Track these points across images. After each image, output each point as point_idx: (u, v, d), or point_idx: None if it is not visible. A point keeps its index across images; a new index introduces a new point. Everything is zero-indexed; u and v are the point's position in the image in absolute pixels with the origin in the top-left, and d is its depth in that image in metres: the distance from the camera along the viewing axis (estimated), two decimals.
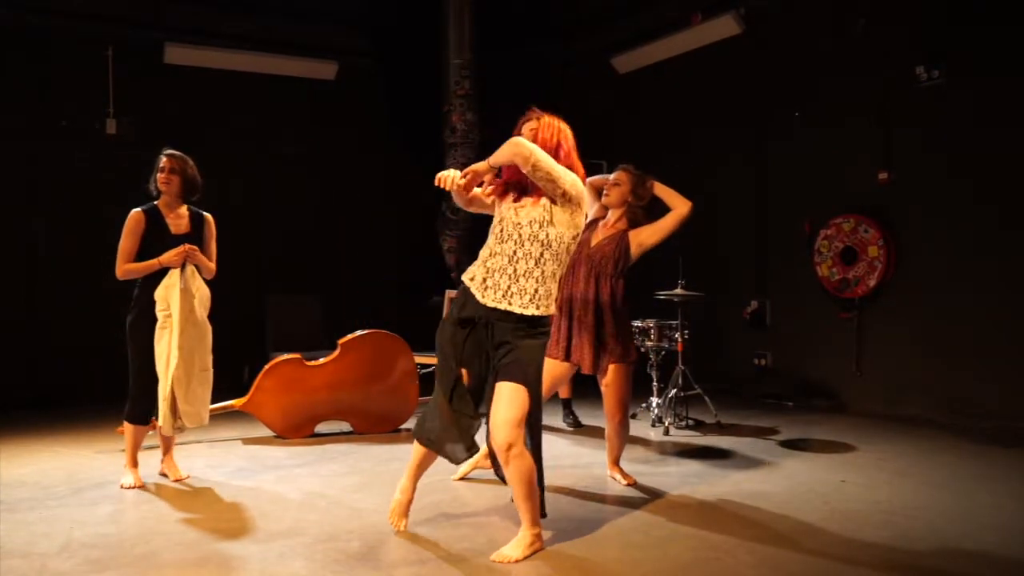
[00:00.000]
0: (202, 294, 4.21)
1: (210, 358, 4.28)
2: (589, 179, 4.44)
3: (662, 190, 4.21)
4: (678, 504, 3.87)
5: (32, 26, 7.01)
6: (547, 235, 3.17)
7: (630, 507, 3.83)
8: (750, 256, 7.26)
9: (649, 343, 5.73)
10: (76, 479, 4.39)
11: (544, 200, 3.22)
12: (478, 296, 3.21)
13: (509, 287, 3.17)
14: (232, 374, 7.35)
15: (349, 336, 5.65)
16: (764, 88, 7.09)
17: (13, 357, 6.82)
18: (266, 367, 5.53)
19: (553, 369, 4.18)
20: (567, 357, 4.14)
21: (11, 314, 6.86)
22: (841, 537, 3.35)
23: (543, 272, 3.18)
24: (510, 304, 3.17)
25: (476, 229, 8.11)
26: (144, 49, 7.39)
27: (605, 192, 4.23)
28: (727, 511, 3.73)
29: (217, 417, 5.63)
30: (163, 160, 4.22)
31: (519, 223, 3.21)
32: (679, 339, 5.70)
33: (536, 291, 3.17)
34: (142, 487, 4.21)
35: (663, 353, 5.81)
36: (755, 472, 4.47)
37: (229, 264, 7.64)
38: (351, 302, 8.00)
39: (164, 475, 4.41)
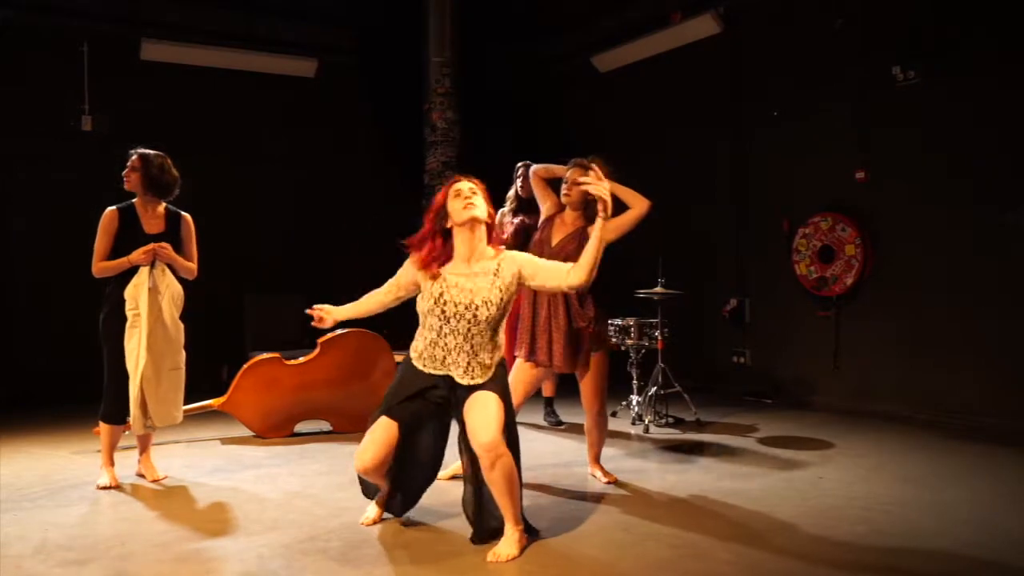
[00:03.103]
0: (173, 293, 4.19)
1: (182, 357, 4.26)
2: (534, 168, 4.34)
3: (619, 189, 4.13)
4: (658, 502, 3.89)
5: (6, 21, 6.91)
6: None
7: (610, 505, 3.84)
8: (729, 254, 7.30)
9: (629, 341, 5.75)
10: (52, 480, 4.34)
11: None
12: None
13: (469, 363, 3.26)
14: (211, 373, 7.31)
15: (329, 335, 5.62)
16: (743, 87, 7.13)
17: None
18: (245, 366, 5.49)
19: (526, 373, 4.17)
20: (532, 356, 4.11)
21: None
22: (818, 533, 3.38)
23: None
24: (473, 379, 3.25)
25: None
26: (121, 45, 7.32)
27: (564, 192, 4.15)
28: (706, 508, 3.75)
29: (195, 417, 5.59)
30: (129, 158, 4.23)
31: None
32: (659, 337, 5.72)
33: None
34: (118, 487, 4.18)
35: (643, 351, 5.83)
36: (734, 469, 4.50)
37: (208, 263, 7.58)
38: (331, 301, 7.90)
39: (141, 475, 4.37)
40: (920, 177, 5.92)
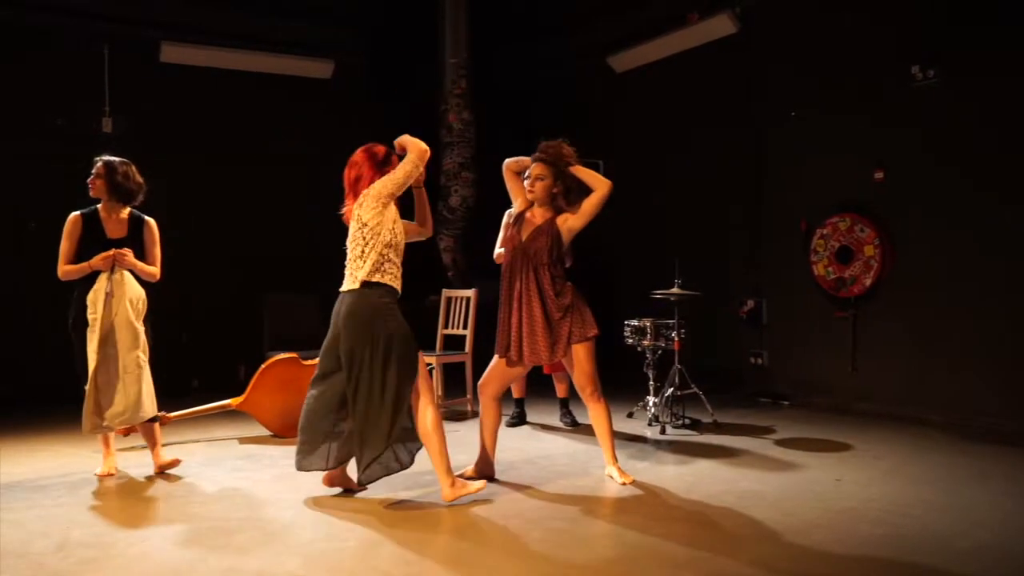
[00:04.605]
0: (133, 296, 4.29)
1: (142, 358, 4.30)
2: (505, 162, 4.32)
3: (581, 172, 4.14)
4: (674, 503, 3.88)
5: (28, 24, 7.00)
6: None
7: (626, 506, 3.84)
8: (747, 255, 7.27)
9: (646, 342, 5.73)
10: (73, 478, 4.40)
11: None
12: None
13: None
14: (228, 373, 7.37)
15: None
16: (760, 87, 7.10)
17: (9, 355, 6.82)
18: (263, 366, 5.53)
19: (499, 366, 4.21)
20: (505, 352, 4.15)
21: (5, 312, 6.86)
22: (836, 536, 3.36)
23: None
24: None
25: (472, 228, 8.12)
26: (141, 48, 7.39)
27: (528, 188, 4.19)
28: (723, 510, 3.74)
29: (214, 416, 5.65)
30: (94, 165, 4.40)
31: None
32: (676, 338, 5.70)
33: None
34: (113, 474, 4.41)
35: (660, 352, 5.81)
36: (751, 471, 4.48)
37: (226, 263, 7.70)
38: None
39: (159, 470, 4.46)
40: (940, 177, 5.87)
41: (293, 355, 5.60)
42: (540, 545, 3.27)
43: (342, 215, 4.06)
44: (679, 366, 5.76)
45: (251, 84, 7.88)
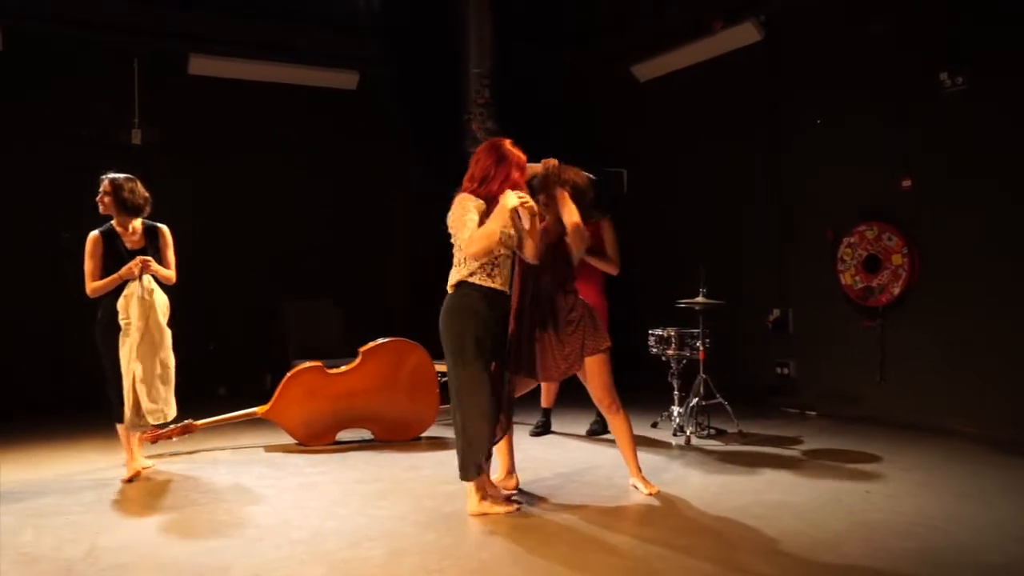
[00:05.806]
0: (160, 301, 4.52)
1: (171, 359, 4.55)
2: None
3: (559, 197, 4.12)
4: (699, 514, 3.84)
5: (59, 37, 7.12)
6: None
7: (651, 517, 3.81)
8: (772, 264, 7.21)
9: (670, 351, 5.70)
10: (101, 483, 4.45)
11: None
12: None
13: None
14: (254, 382, 7.42)
15: (370, 344, 5.67)
16: (785, 95, 7.05)
17: (42, 363, 6.93)
18: (288, 375, 5.57)
19: (515, 382, 4.20)
20: (515, 367, 4.13)
21: (40, 319, 6.96)
22: (864, 548, 3.32)
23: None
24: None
25: None
26: (170, 60, 7.50)
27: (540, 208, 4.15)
28: (750, 522, 3.70)
29: (239, 424, 5.69)
30: (101, 183, 4.59)
31: None
32: (700, 348, 5.66)
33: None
34: (137, 475, 4.55)
35: (684, 362, 5.78)
36: (777, 482, 4.43)
37: (251, 271, 7.77)
38: (372, 310, 8.04)
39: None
40: (968, 185, 5.78)
41: (318, 363, 5.63)
42: (563, 557, 3.25)
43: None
44: (704, 376, 5.71)
45: (277, 95, 7.96)
